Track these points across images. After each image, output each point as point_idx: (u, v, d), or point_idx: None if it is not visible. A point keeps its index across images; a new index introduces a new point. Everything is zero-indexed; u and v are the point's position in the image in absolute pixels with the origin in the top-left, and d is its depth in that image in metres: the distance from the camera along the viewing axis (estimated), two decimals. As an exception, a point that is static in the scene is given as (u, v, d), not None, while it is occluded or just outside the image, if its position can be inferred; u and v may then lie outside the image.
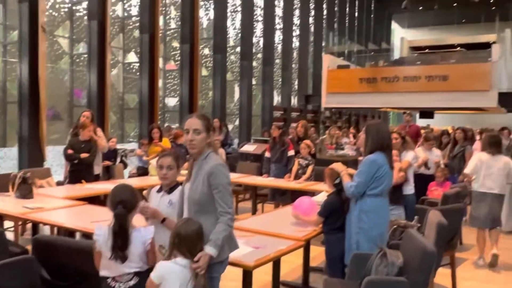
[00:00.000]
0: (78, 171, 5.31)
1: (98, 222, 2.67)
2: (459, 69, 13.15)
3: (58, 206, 4.16)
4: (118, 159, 7.24)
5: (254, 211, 6.47)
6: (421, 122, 25.41)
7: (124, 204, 2.31)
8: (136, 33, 10.79)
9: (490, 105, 12.89)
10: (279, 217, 4.15)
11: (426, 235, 3.51)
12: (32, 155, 7.49)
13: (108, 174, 6.59)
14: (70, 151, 5.31)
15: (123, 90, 10.83)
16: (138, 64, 10.58)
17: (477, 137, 9.42)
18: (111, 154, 6.77)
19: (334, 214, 3.45)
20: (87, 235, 3.35)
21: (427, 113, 18.54)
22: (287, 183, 5.97)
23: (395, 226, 3.70)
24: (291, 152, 6.42)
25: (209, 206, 2.33)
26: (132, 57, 11.10)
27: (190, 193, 2.41)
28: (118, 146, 7.72)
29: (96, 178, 5.67)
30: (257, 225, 3.68)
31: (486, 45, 20.65)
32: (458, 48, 23.63)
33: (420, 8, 25.78)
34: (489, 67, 12.69)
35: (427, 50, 25.14)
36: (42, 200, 4.33)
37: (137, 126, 10.67)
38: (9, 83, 8.23)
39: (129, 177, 7.17)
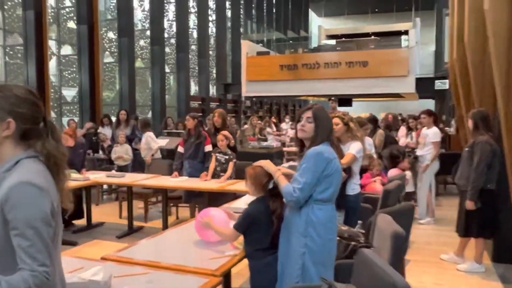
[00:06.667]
0: None
1: None
2: (378, 54, 13.03)
3: None
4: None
5: (165, 218, 5.43)
6: (340, 110, 25.86)
7: None
8: (71, 24, 10.08)
9: (408, 90, 12.94)
10: (187, 236, 2.91)
11: (377, 247, 2.77)
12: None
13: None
14: None
15: (60, 84, 9.89)
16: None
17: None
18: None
19: (259, 230, 2.51)
20: None
21: (345, 101, 18.59)
22: (203, 183, 5.00)
23: (338, 238, 2.89)
24: (208, 147, 5.45)
25: (6, 258, 1.25)
26: (67, 50, 10.31)
27: None
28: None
29: None
30: (155, 252, 2.68)
31: (398, 34, 21.21)
32: (372, 37, 24.16)
33: (336, -3, 26.07)
34: (407, 53, 12.70)
35: (343, 39, 25.43)
36: None
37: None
38: None
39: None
